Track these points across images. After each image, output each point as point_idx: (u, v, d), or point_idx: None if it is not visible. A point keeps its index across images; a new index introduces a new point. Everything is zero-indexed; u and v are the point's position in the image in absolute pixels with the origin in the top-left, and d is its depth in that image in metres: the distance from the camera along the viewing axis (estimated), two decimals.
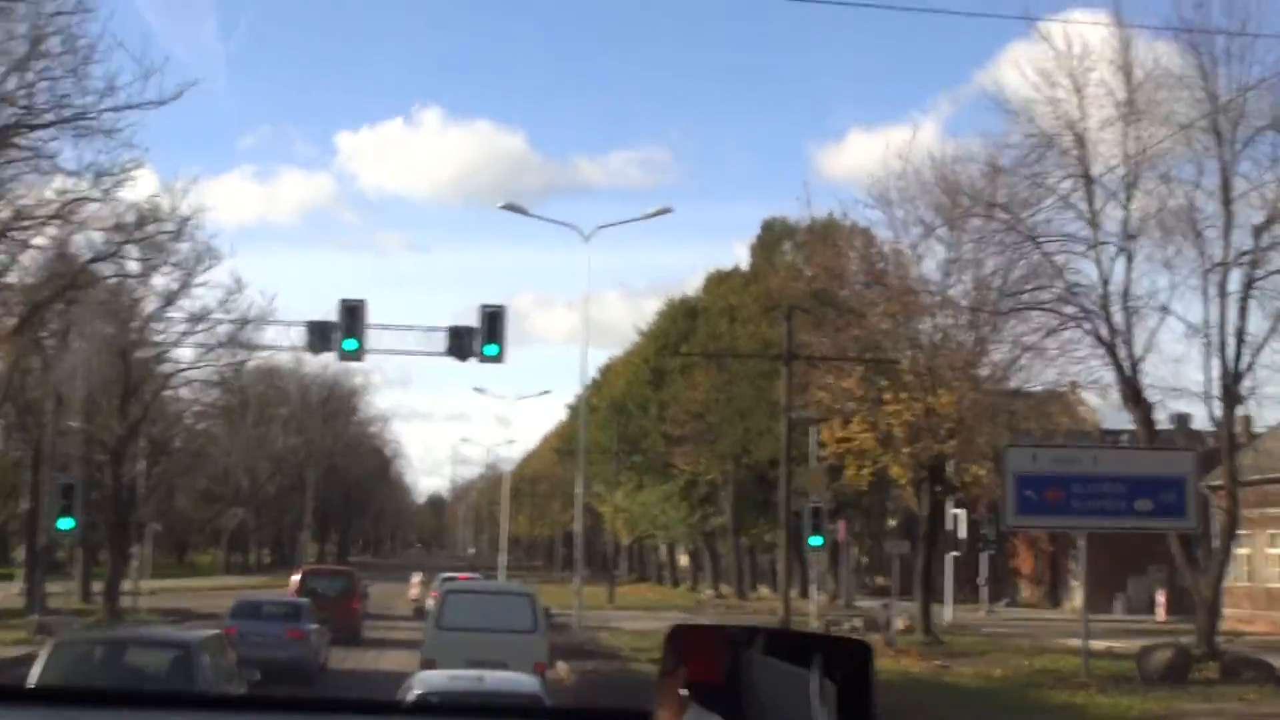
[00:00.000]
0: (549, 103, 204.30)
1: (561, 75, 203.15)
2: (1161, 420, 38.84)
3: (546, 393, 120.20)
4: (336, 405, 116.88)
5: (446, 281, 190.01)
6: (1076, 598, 61.69)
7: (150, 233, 37.16)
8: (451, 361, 38.08)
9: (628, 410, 73.38)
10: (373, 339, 39.28)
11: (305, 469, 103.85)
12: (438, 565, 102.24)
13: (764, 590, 74.38)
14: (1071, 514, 27.83)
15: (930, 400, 38.29)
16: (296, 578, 41.57)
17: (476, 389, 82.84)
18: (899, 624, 44.18)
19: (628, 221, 42.05)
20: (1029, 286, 33.62)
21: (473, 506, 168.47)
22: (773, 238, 65.04)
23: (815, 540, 43.09)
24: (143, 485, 47.35)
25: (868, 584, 79.46)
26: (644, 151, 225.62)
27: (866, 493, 60.67)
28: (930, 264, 39.40)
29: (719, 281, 71.38)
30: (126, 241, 36.43)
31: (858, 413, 39.07)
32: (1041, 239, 32.92)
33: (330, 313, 38.42)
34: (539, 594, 25.62)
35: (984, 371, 39.28)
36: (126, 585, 46.63)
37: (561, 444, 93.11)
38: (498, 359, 38.30)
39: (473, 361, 39.52)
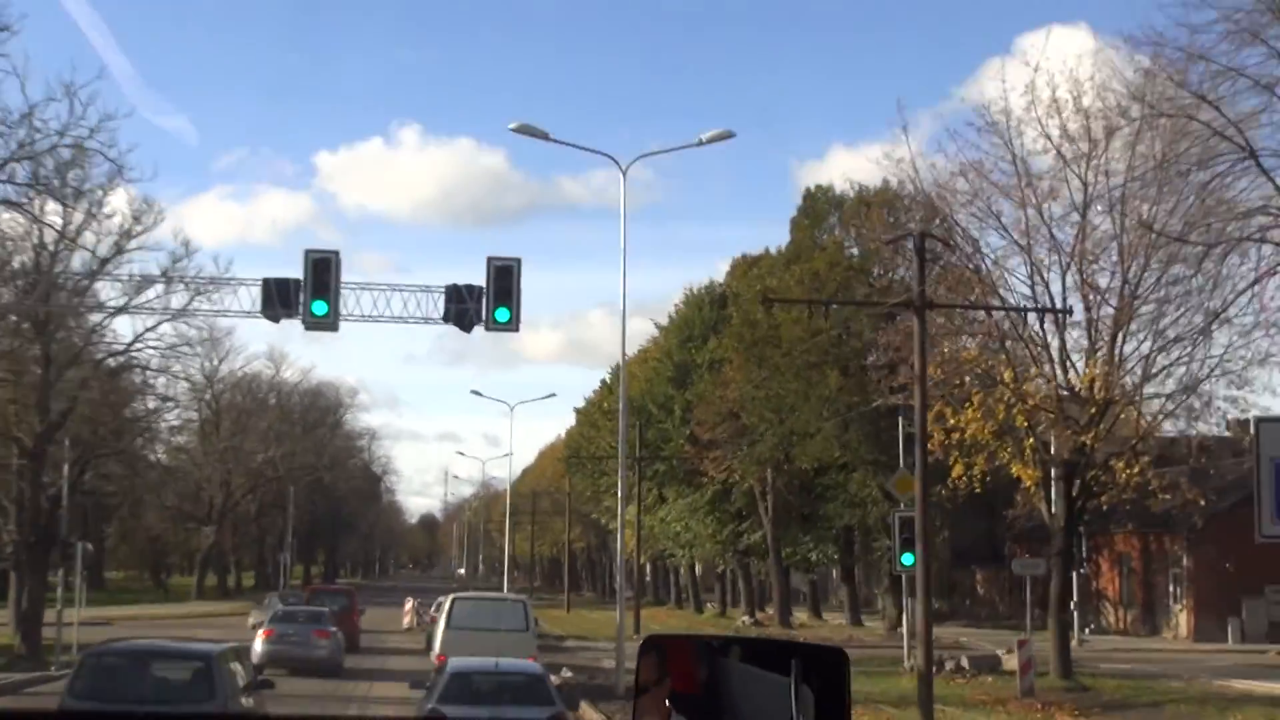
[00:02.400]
0: (529, 120, 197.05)
1: (541, 93, 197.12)
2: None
3: (552, 395, 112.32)
4: (318, 416, 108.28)
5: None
6: (1181, 624, 53.12)
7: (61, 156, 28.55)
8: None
9: (648, 411, 64.44)
10: (350, 303, 30.78)
11: (286, 484, 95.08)
12: (430, 588, 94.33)
13: (801, 615, 65.64)
14: None
15: (1072, 377, 29.72)
16: (305, 596, 47.38)
17: (474, 392, 74.06)
18: (1010, 664, 35.60)
19: (672, 150, 33.67)
20: (1238, 212, 24.96)
21: (466, 526, 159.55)
22: (817, 210, 56.35)
23: (907, 559, 34.47)
24: (69, 496, 38.27)
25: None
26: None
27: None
28: (1060, 207, 30.78)
29: (748, 266, 62.71)
30: (21, 156, 27.72)
31: (975, 394, 30.32)
32: (1261, 152, 24.29)
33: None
34: (530, 601, 31.60)
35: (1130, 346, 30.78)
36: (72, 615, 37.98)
37: (568, 454, 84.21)
38: (509, 326, 29.65)
39: (476, 334, 31.41)
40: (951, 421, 30.22)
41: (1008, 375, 30.52)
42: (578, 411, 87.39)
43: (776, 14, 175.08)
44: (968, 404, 30.28)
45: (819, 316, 51.85)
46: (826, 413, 50.86)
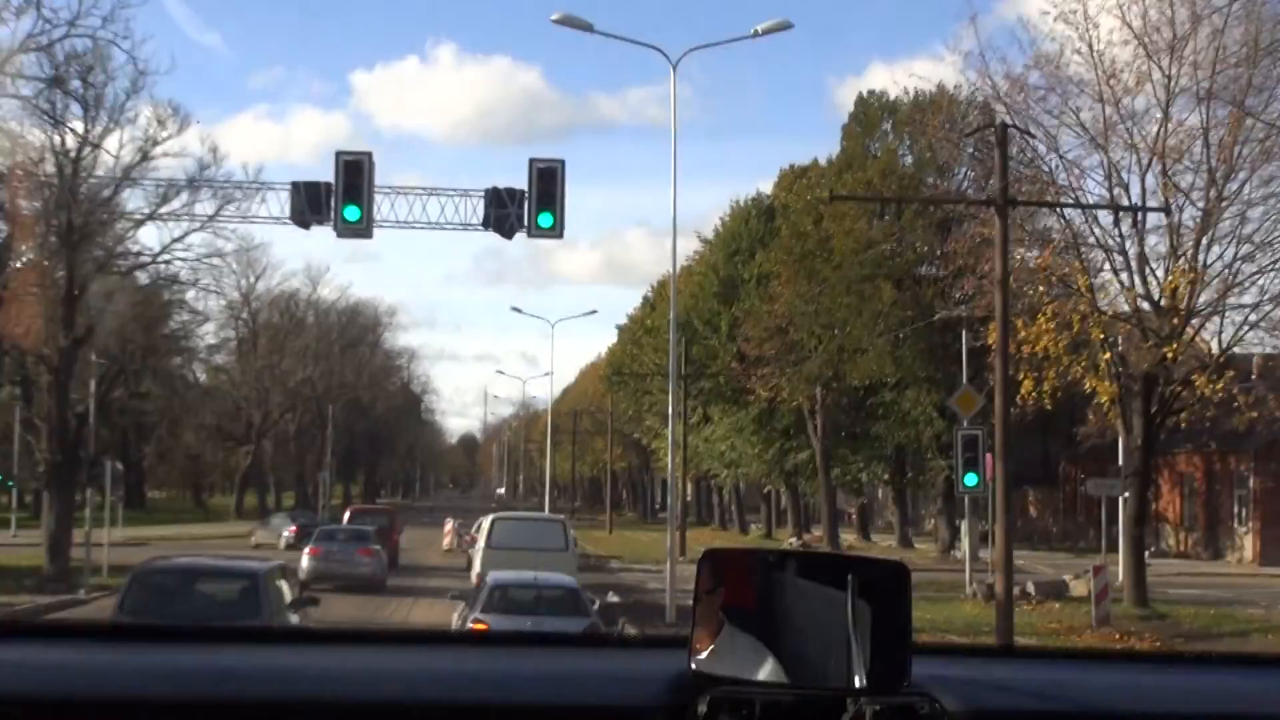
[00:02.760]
0: (565, 37, 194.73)
1: (577, 8, 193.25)
2: None
3: (593, 312, 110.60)
4: (356, 334, 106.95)
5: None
6: (1246, 547, 51.33)
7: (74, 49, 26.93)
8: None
9: (693, 327, 62.54)
10: (384, 209, 29.17)
11: (324, 403, 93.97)
12: (470, 508, 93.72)
13: (848, 537, 64.18)
14: None
15: (1151, 285, 27.80)
16: (347, 515, 47.80)
17: (514, 309, 72.59)
18: (1078, 590, 34.07)
19: (724, 42, 31.72)
20: None
21: (505, 446, 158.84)
22: (869, 117, 54.04)
23: (970, 480, 32.77)
24: (97, 413, 36.95)
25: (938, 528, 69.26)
26: (662, 87, 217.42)
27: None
28: (1141, 101, 28.65)
29: (796, 177, 60.53)
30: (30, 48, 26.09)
31: (1048, 305, 28.41)
32: None
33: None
34: (569, 521, 32.07)
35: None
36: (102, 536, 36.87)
37: (610, 371, 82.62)
38: (553, 232, 27.97)
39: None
40: (1022, 334, 28.35)
41: (1083, 283, 28.61)
42: (619, 329, 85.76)
43: None
44: (1040, 315, 28.43)
45: (873, 228, 49.83)
46: (880, 328, 48.97)
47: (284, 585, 17.95)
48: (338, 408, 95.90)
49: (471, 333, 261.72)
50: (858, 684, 2.42)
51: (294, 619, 17.24)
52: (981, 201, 25.97)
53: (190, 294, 46.81)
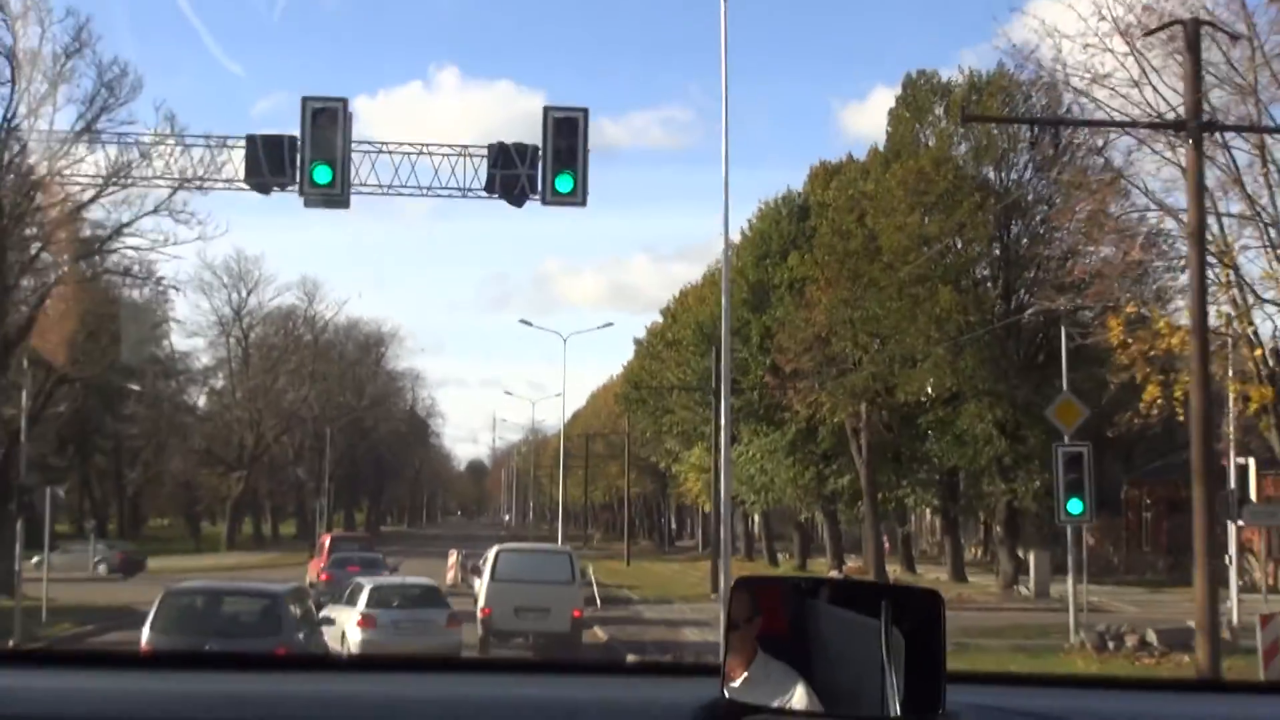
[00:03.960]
0: (569, 62, 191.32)
1: (581, 33, 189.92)
2: None
3: (609, 325, 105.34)
4: (356, 353, 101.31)
5: (471, 247, 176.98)
6: None
7: None
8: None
9: (720, 338, 56.75)
10: (364, 171, 23.72)
11: (322, 425, 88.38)
12: (478, 535, 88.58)
13: (890, 569, 58.25)
14: None
15: None
16: (326, 542, 47.88)
17: (523, 321, 67.20)
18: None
19: None
20: None
21: (514, 472, 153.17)
22: (919, 101, 48.39)
23: (1075, 506, 27.24)
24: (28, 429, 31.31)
25: (984, 560, 63.62)
26: (665, 111, 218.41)
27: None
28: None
29: (829, 175, 55.02)
30: None
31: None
32: None
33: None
34: (575, 553, 31.89)
35: None
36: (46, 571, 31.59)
37: (628, 388, 76.85)
38: (574, 197, 22.43)
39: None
40: (1161, 325, 22.77)
41: (1228, 262, 23.07)
42: (637, 343, 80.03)
43: None
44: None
45: (925, 223, 44.33)
46: (936, 335, 43.35)
47: (301, 607, 19.60)
48: (337, 430, 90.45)
49: (478, 358, 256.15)
50: (892, 712, 2.40)
51: (311, 637, 18.76)
52: (1169, 125, 20.30)
53: (147, 288, 41.31)
